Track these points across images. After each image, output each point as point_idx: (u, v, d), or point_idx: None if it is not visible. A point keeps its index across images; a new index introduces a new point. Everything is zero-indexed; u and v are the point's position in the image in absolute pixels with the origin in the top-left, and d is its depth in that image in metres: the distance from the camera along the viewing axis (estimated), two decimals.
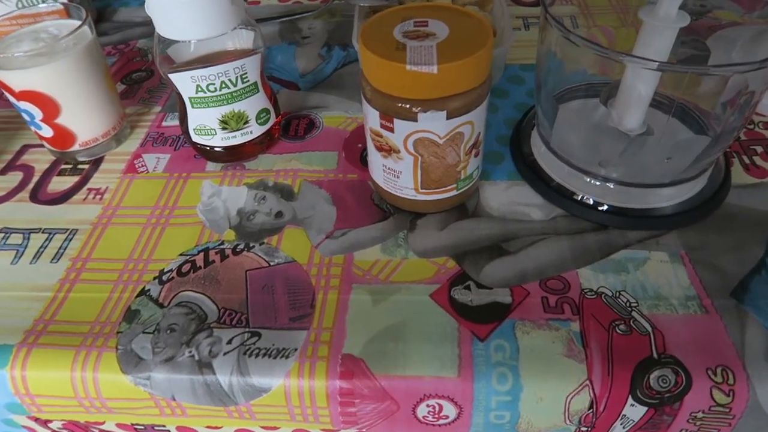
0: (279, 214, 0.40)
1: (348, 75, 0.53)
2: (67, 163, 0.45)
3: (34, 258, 0.38)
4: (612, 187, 0.38)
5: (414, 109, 0.32)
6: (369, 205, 0.40)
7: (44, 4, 0.44)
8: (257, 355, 0.31)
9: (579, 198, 0.39)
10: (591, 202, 0.38)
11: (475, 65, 0.32)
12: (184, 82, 0.39)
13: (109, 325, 0.34)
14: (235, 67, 0.39)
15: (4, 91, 0.41)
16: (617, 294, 0.33)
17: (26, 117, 0.42)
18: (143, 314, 0.34)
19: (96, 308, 0.35)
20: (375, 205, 0.40)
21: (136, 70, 0.55)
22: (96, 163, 0.45)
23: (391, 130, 0.34)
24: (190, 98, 0.40)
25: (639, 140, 0.38)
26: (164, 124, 0.49)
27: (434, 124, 0.33)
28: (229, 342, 0.32)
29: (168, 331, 0.33)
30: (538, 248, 0.36)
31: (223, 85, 0.39)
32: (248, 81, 0.40)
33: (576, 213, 0.39)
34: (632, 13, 0.54)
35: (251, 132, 0.42)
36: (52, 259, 0.38)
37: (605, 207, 0.38)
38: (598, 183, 0.39)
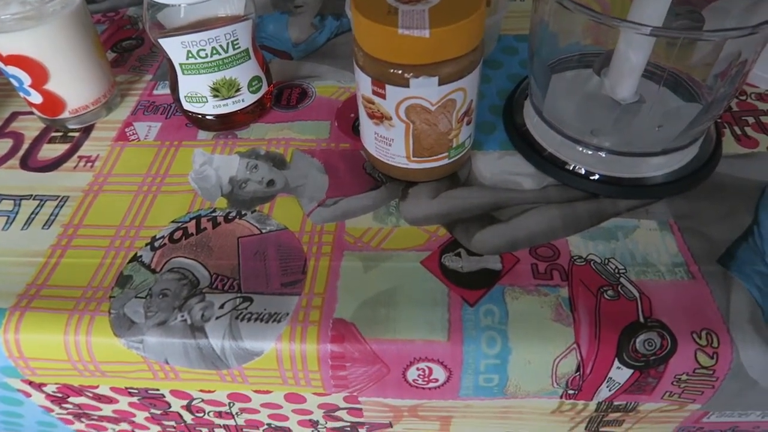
0: (271, 183, 0.40)
1: (341, 45, 0.52)
2: (57, 131, 0.45)
3: (25, 224, 0.38)
4: (604, 156, 0.38)
5: (406, 74, 0.32)
6: (361, 174, 0.40)
7: None
8: (249, 319, 0.32)
9: (571, 167, 0.39)
10: (583, 171, 0.39)
11: (467, 30, 0.32)
12: (175, 48, 0.38)
13: (101, 290, 0.34)
14: (226, 33, 0.38)
15: None
16: (606, 261, 0.34)
17: (14, 83, 0.42)
18: (135, 279, 0.34)
19: (88, 273, 0.35)
20: (367, 174, 0.40)
21: (126, 38, 0.55)
22: (86, 131, 0.45)
23: (383, 96, 0.34)
24: (180, 64, 0.39)
25: (631, 108, 0.38)
26: (155, 92, 0.48)
27: (426, 91, 0.33)
28: (221, 307, 0.32)
29: (160, 296, 0.33)
30: (530, 217, 0.36)
31: (214, 51, 0.39)
32: (239, 48, 0.39)
33: (568, 182, 0.39)
34: None
35: (243, 100, 0.42)
36: (44, 226, 0.38)
37: (596, 176, 0.38)
38: (590, 152, 0.39)
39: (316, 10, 0.57)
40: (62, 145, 0.44)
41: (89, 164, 0.42)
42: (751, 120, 0.43)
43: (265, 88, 0.43)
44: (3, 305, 0.33)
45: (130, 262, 0.35)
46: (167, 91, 0.48)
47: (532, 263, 0.34)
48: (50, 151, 0.43)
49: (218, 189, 0.39)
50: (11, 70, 0.41)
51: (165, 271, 0.34)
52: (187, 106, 0.42)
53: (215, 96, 0.41)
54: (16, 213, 0.39)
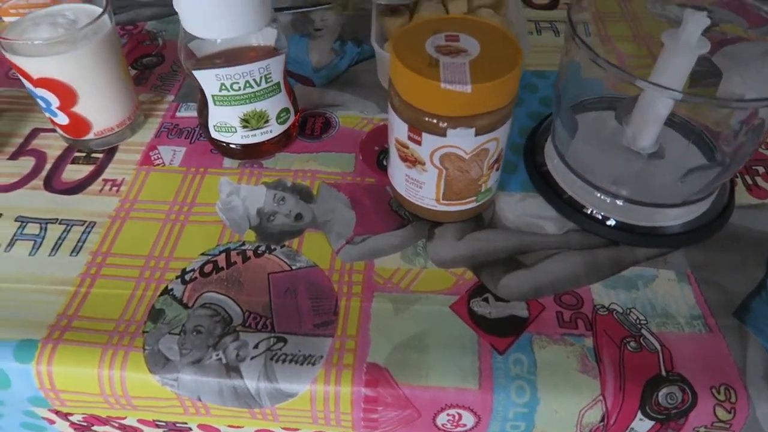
0: (299, 217, 0.40)
1: (362, 73, 0.53)
2: (80, 151, 0.45)
3: (53, 250, 0.38)
4: (621, 204, 0.40)
5: (443, 125, 0.33)
6: (387, 211, 0.41)
7: None
8: (284, 360, 0.32)
9: (588, 212, 0.40)
10: (600, 216, 0.40)
11: (507, 85, 0.32)
12: (209, 80, 0.39)
13: (134, 323, 0.34)
14: (260, 67, 0.39)
15: (20, 77, 0.41)
16: (628, 311, 0.35)
17: (42, 104, 0.42)
18: (168, 314, 0.35)
19: (119, 305, 0.35)
20: (393, 212, 0.41)
21: (146, 55, 0.54)
22: (110, 152, 0.45)
23: (419, 143, 0.34)
24: (213, 96, 0.39)
25: (652, 161, 0.40)
26: (178, 114, 0.48)
27: (462, 140, 0.34)
28: (256, 347, 0.33)
29: (194, 333, 0.34)
30: (553, 262, 0.37)
31: (247, 85, 0.39)
32: (272, 81, 0.40)
33: (585, 227, 0.40)
34: (642, 23, 0.55)
35: (271, 131, 0.42)
36: (72, 252, 0.38)
37: (613, 222, 0.40)
38: (607, 199, 0.40)
39: (335, 35, 0.57)
40: (86, 166, 0.44)
41: (115, 188, 0.42)
42: (761, 170, 0.44)
43: (292, 119, 0.44)
44: (35, 336, 0.33)
45: (161, 295, 0.36)
46: (190, 113, 0.48)
47: (557, 311, 0.35)
48: (74, 172, 0.43)
49: (246, 221, 0.40)
50: (40, 92, 0.40)
51: (197, 307, 0.35)
52: (215, 134, 0.42)
53: (244, 127, 0.41)
54: (43, 237, 0.39)
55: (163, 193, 0.42)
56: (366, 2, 0.61)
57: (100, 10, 0.42)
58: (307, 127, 0.47)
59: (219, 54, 0.38)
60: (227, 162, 0.44)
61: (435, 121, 0.33)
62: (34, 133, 0.47)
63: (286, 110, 0.42)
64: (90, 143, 0.44)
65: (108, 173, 0.43)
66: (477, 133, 0.33)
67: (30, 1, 0.43)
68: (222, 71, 0.38)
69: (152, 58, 0.54)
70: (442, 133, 0.33)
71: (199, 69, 0.38)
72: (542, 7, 0.62)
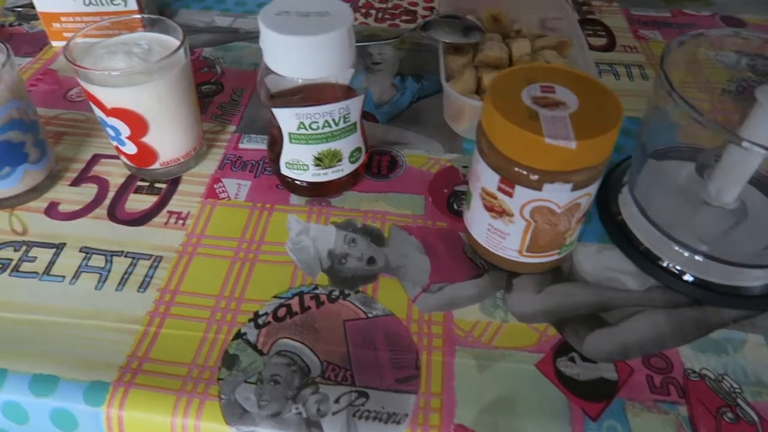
0: (371, 260, 0.39)
1: (425, 110, 0.52)
2: (143, 180, 0.44)
3: (119, 285, 0.37)
4: (699, 259, 0.38)
5: (539, 178, 0.32)
6: (462, 259, 0.39)
7: (137, 16, 0.43)
8: (367, 417, 0.31)
9: (665, 265, 0.39)
10: (676, 270, 0.39)
11: (609, 141, 0.32)
12: (288, 118, 0.38)
13: (207, 369, 0.33)
14: (340, 107, 0.38)
15: (92, 105, 0.40)
16: (720, 378, 0.34)
17: (110, 132, 0.41)
18: (243, 360, 0.33)
19: (191, 348, 0.34)
20: (468, 259, 0.39)
21: (205, 82, 0.54)
22: (174, 182, 0.44)
23: (510, 195, 0.33)
24: (290, 134, 0.39)
25: (734, 220, 0.39)
26: (241, 146, 0.47)
27: (557, 195, 0.33)
28: (337, 401, 0.31)
29: (272, 383, 0.32)
30: (637, 321, 0.36)
31: (326, 124, 0.38)
32: (349, 121, 0.39)
33: (662, 280, 0.39)
34: (702, 69, 0.55)
35: (342, 170, 0.41)
36: (139, 288, 0.37)
37: (690, 278, 0.38)
38: (686, 253, 0.39)
39: (395, 69, 0.57)
40: (149, 196, 0.43)
41: (180, 221, 0.41)
42: None
43: (363, 158, 0.43)
44: (106, 378, 0.32)
45: (234, 339, 0.34)
46: (253, 145, 0.47)
47: (646, 374, 0.33)
48: (137, 202, 0.42)
49: (318, 263, 0.39)
50: (111, 121, 0.40)
51: (273, 354, 0.34)
52: (285, 171, 0.41)
53: (317, 165, 0.40)
54: (109, 271, 0.38)
55: (230, 229, 0.41)
56: (421, 37, 0.60)
57: (173, 39, 0.42)
58: (373, 165, 0.46)
59: (295, 90, 0.38)
60: (294, 198, 0.43)
61: (531, 174, 0.32)
62: (95, 159, 0.46)
63: (358, 149, 0.42)
64: (154, 173, 0.43)
65: (173, 205, 0.42)
66: (573, 188, 0.32)
67: (101, 30, 0.42)
68: (303, 110, 0.37)
69: (211, 86, 0.54)
70: (538, 187, 0.32)
71: (280, 107, 0.37)
72: (599, 48, 0.62)
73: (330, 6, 0.36)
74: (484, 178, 0.35)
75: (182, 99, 0.41)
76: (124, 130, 0.40)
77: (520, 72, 0.34)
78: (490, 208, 0.35)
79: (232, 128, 0.49)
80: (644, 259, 0.39)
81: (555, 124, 0.31)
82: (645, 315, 0.37)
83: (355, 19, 0.64)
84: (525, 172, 0.32)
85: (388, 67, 0.57)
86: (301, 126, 0.38)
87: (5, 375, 0.32)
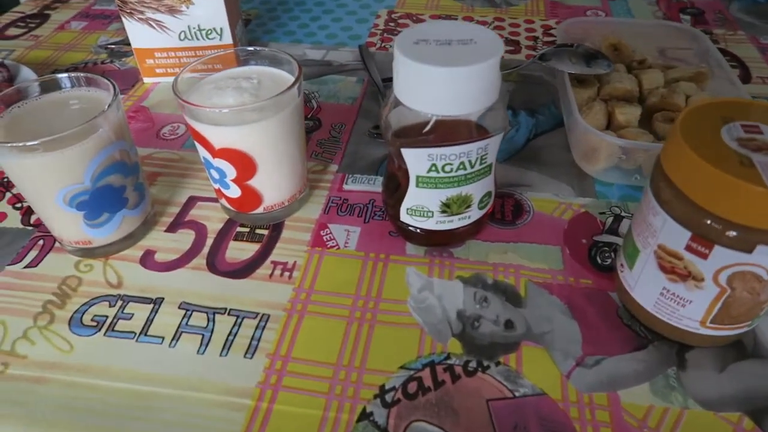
0: (509, 324, 0.33)
1: (543, 149, 0.46)
2: (242, 226, 0.40)
3: (223, 349, 0.32)
4: None
5: (750, 239, 0.26)
6: (618, 326, 0.33)
7: (250, 48, 0.39)
8: None
9: None
10: None
11: None
12: (418, 159, 0.33)
13: None
14: (478, 148, 0.33)
15: (198, 146, 0.36)
16: None
17: (215, 175, 0.37)
18: None
19: (311, 431, 0.29)
20: (625, 326, 0.33)
21: None
22: (275, 228, 0.40)
23: (704, 256, 0.27)
24: (418, 176, 0.34)
25: None
26: (345, 187, 0.43)
27: None
28: None
29: None
30: None
31: (461, 166, 0.33)
32: (486, 163, 0.34)
33: None
34: None
35: (469, 217, 0.36)
36: (246, 353, 0.32)
37: None
38: None
39: (505, 104, 0.52)
40: (250, 244, 0.39)
41: (287, 273, 0.36)
42: None
43: (491, 203, 0.37)
44: None
45: (359, 420, 0.29)
46: (359, 186, 0.43)
47: None
48: (238, 251, 0.38)
49: (447, 326, 0.33)
50: (218, 162, 0.36)
51: None
52: (405, 217, 0.36)
53: (443, 212, 0.35)
54: (211, 332, 0.33)
55: (342, 283, 0.36)
56: (528, 68, 0.55)
57: (283, 72, 0.38)
58: (496, 210, 0.41)
59: (424, 127, 0.33)
60: (410, 248, 0.38)
61: (740, 233, 0.26)
62: (192, 201, 0.42)
63: (489, 194, 0.36)
64: (257, 218, 0.39)
65: (277, 254, 0.38)
66: None
67: (207, 65, 0.39)
68: (437, 151, 0.32)
69: (308, 121, 0.50)
70: (747, 250, 0.26)
71: (410, 147, 0.33)
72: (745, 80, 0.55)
73: (473, 33, 0.31)
74: (665, 233, 0.29)
75: (294, 139, 0.37)
76: (230, 173, 0.36)
77: (713, 108, 0.29)
78: (669, 270, 0.29)
79: (334, 167, 0.45)
80: None
81: None
82: None
83: None
84: (733, 232, 0.26)
85: (500, 102, 0.52)
86: (433, 168, 0.33)
87: None
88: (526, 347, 0.32)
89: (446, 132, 0.33)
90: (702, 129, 0.27)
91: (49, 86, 0.36)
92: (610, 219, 0.40)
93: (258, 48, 0.39)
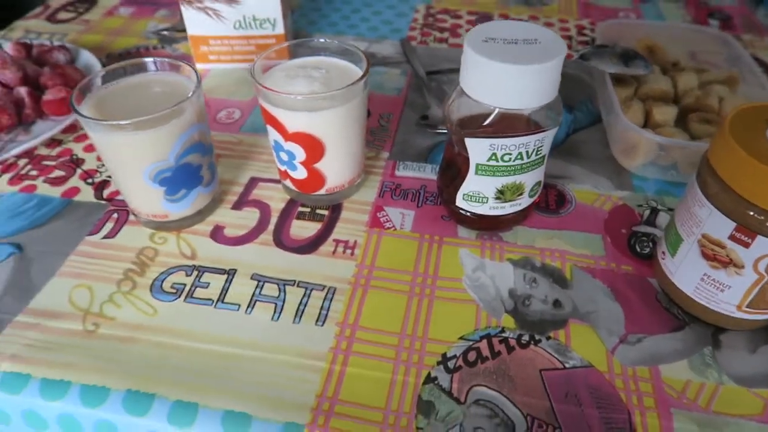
0: (557, 303, 0.36)
1: (582, 144, 0.49)
2: (303, 206, 0.43)
3: (296, 317, 0.35)
4: None
5: None
6: (657, 309, 0.36)
7: (322, 40, 0.42)
8: None
9: None
10: None
11: None
12: (480, 148, 0.36)
13: (404, 416, 0.30)
14: (536, 140, 0.35)
15: (270, 129, 0.39)
16: None
17: (284, 157, 0.40)
18: (439, 409, 0.31)
19: (382, 391, 0.32)
20: (664, 309, 0.36)
21: None
22: (334, 210, 0.42)
23: (746, 245, 0.30)
24: (478, 164, 0.36)
25: None
26: (397, 173, 0.46)
27: None
28: None
29: None
30: None
31: (519, 156, 0.36)
32: (541, 153, 0.37)
33: None
34: None
35: (521, 204, 0.39)
36: (317, 321, 0.35)
37: None
38: None
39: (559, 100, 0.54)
40: (312, 223, 0.41)
41: (348, 251, 0.39)
42: None
43: (540, 192, 0.40)
44: (300, 420, 0.30)
45: (425, 383, 0.32)
46: (410, 173, 0.46)
47: None
48: (301, 229, 0.41)
49: (500, 303, 0.36)
50: (289, 145, 0.39)
51: (471, 404, 0.31)
52: (460, 202, 0.39)
53: (497, 198, 0.38)
54: (283, 301, 0.36)
55: (401, 261, 0.39)
56: (568, 66, 0.58)
57: (349, 64, 0.41)
58: (541, 199, 0.43)
59: (486, 118, 0.35)
60: (462, 231, 0.41)
61: None
62: (254, 182, 0.45)
63: (539, 183, 0.39)
64: (318, 199, 0.42)
65: (338, 233, 0.41)
66: None
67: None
68: (498, 141, 0.35)
69: None
70: None
71: (473, 137, 0.35)
72: None
73: (537, 33, 0.34)
74: (710, 224, 0.31)
75: (358, 126, 0.40)
76: (300, 155, 0.39)
77: (758, 111, 0.31)
78: (711, 257, 0.32)
79: (385, 155, 0.48)
80: None
81: None
82: None
83: None
84: None
85: None
86: (493, 157, 0.36)
87: (197, 410, 0.30)
88: (573, 324, 0.35)
89: (505, 124, 0.35)
90: (748, 129, 0.30)
91: (135, 69, 0.39)
92: (647, 211, 0.43)
93: (329, 40, 0.42)
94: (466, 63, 0.34)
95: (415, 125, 0.51)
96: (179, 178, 0.38)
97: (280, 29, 0.56)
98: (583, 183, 0.45)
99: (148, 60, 0.39)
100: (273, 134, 0.39)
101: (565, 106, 0.53)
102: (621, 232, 0.41)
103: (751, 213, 0.29)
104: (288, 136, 0.38)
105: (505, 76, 0.33)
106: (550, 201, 0.43)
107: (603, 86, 0.49)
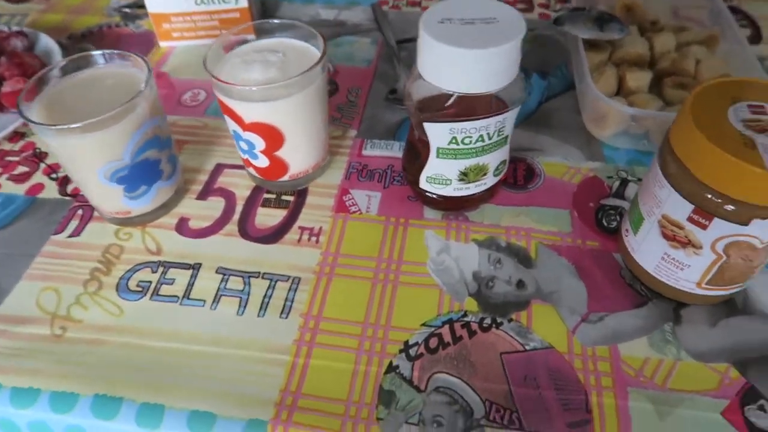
0: (520, 284, 0.36)
1: (555, 111, 0.48)
2: (269, 192, 0.42)
3: (260, 310, 0.36)
4: None
5: (747, 213, 0.28)
6: (621, 285, 0.36)
7: (275, 21, 0.40)
8: None
9: None
10: None
11: None
12: (440, 133, 0.35)
13: (365, 407, 0.31)
14: (497, 121, 0.35)
15: (228, 119, 0.38)
16: None
17: (244, 146, 0.39)
18: (400, 398, 0.31)
19: (344, 383, 0.32)
20: (627, 285, 0.36)
21: None
22: (300, 194, 0.42)
23: (704, 227, 0.30)
24: (438, 148, 0.36)
25: None
26: (365, 152, 0.45)
27: (764, 231, 0.29)
28: None
29: (434, 425, 0.30)
30: None
31: (479, 139, 0.35)
32: (503, 134, 0.36)
33: None
34: None
35: (485, 184, 0.39)
36: (281, 314, 0.35)
37: None
38: None
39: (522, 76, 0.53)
40: (278, 210, 0.41)
41: (313, 238, 0.39)
42: None
43: (505, 170, 0.40)
44: (263, 416, 0.31)
45: (387, 372, 0.33)
46: (377, 152, 0.45)
47: None
48: (267, 216, 0.41)
49: (464, 286, 0.36)
50: (248, 135, 0.38)
51: (431, 391, 0.32)
52: (424, 185, 0.39)
53: (461, 180, 0.38)
54: (248, 294, 0.36)
55: (366, 247, 0.39)
56: (543, 29, 0.56)
57: (307, 45, 0.40)
58: (508, 173, 0.43)
59: (446, 100, 0.34)
60: (428, 212, 0.41)
61: (738, 208, 0.28)
62: (219, 169, 0.44)
63: (504, 162, 0.39)
64: (283, 185, 0.42)
65: (303, 219, 0.40)
66: None
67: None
68: (458, 125, 0.34)
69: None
70: (744, 222, 0.28)
71: (432, 122, 0.34)
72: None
73: (495, 11, 0.33)
74: (669, 205, 0.31)
75: (318, 111, 0.39)
76: (259, 144, 0.38)
77: (724, 87, 0.30)
78: (671, 238, 0.32)
79: (352, 133, 0.47)
80: None
81: None
82: None
83: None
84: (731, 207, 0.28)
85: None
86: (453, 141, 0.35)
87: (163, 411, 0.31)
88: (535, 305, 0.35)
89: (466, 105, 0.34)
90: (711, 109, 0.29)
91: (82, 64, 0.38)
92: (617, 183, 0.42)
93: (283, 20, 0.40)
94: (422, 47, 0.33)
95: (384, 100, 0.50)
96: (137, 175, 0.37)
97: (243, 2, 0.54)
98: (553, 155, 0.44)
99: (96, 53, 0.38)
100: (231, 124, 0.39)
101: (539, 73, 0.52)
102: (589, 206, 0.41)
103: (709, 196, 0.29)
104: (246, 126, 0.37)
105: (461, 60, 0.32)
106: (519, 176, 0.43)
107: (576, 52, 0.47)
